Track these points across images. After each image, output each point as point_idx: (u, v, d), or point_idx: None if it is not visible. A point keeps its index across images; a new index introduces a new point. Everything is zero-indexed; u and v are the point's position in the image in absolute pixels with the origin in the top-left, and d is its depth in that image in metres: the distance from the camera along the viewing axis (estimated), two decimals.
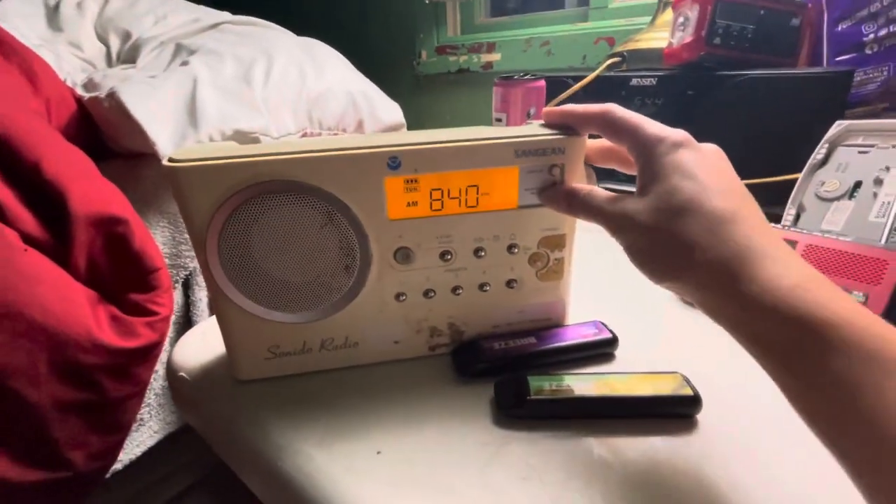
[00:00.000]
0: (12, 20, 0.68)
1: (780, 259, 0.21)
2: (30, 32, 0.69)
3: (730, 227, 0.22)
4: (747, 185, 0.25)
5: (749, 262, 0.21)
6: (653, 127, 0.25)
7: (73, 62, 0.70)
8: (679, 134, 0.25)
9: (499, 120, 0.56)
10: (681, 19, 0.58)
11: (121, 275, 0.43)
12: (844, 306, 0.19)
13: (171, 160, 0.27)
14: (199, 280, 0.60)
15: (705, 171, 0.23)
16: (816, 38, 0.59)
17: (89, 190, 0.42)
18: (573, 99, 0.64)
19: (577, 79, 0.64)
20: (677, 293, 0.25)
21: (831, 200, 0.42)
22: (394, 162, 0.28)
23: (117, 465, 0.53)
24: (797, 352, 0.19)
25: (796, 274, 0.20)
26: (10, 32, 0.58)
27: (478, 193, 0.30)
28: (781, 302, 0.20)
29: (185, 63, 0.64)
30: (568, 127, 0.30)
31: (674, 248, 0.23)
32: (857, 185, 0.41)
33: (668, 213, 0.23)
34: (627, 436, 0.27)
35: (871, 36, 0.55)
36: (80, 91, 0.59)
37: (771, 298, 0.20)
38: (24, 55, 0.55)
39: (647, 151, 0.25)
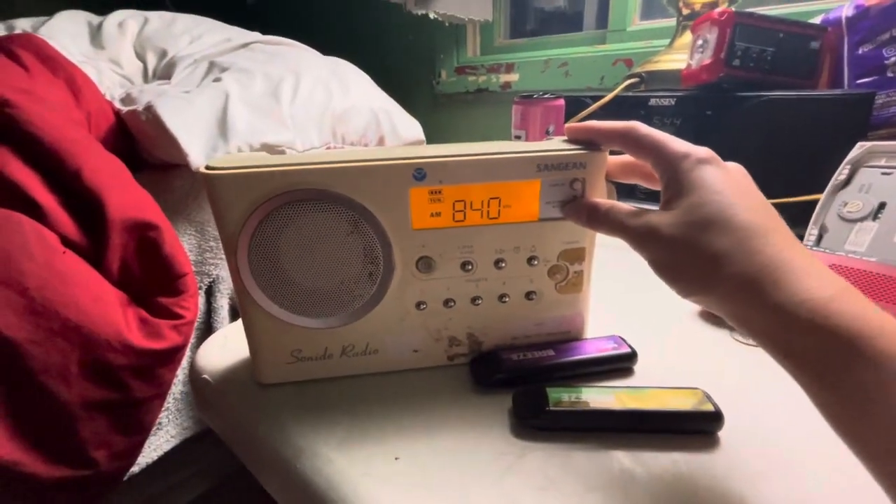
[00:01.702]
0: (60, 38, 0.72)
1: (813, 271, 0.21)
2: (74, 50, 0.73)
3: (760, 240, 0.22)
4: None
5: (782, 274, 0.21)
6: (678, 143, 0.26)
7: (112, 78, 0.74)
8: (704, 151, 0.25)
9: (518, 137, 0.57)
10: (700, 41, 0.59)
11: (151, 278, 0.44)
12: (879, 317, 0.19)
13: (208, 168, 0.28)
14: (222, 287, 0.62)
15: (731, 187, 0.24)
16: (836, 61, 0.59)
17: (125, 197, 0.44)
18: (592, 118, 0.64)
19: (596, 99, 0.65)
20: (706, 307, 0.25)
21: (854, 221, 0.41)
22: (419, 173, 0.29)
23: (134, 469, 0.54)
24: (833, 363, 0.19)
25: (830, 286, 0.20)
26: (57, 49, 0.61)
27: (499, 205, 0.31)
28: (818, 314, 0.19)
29: (217, 80, 0.67)
30: (590, 142, 0.30)
31: (701, 261, 0.23)
32: (882, 206, 0.40)
33: (695, 227, 0.23)
34: (648, 450, 0.27)
35: (893, 59, 0.55)
36: (118, 105, 0.62)
37: (807, 310, 0.20)
38: (69, 71, 0.59)
39: (672, 167, 0.25)
